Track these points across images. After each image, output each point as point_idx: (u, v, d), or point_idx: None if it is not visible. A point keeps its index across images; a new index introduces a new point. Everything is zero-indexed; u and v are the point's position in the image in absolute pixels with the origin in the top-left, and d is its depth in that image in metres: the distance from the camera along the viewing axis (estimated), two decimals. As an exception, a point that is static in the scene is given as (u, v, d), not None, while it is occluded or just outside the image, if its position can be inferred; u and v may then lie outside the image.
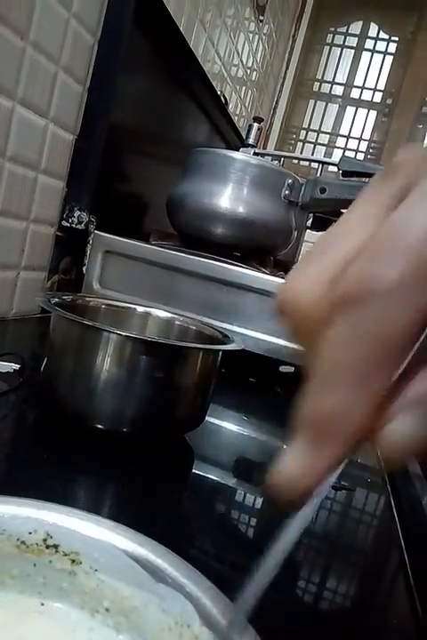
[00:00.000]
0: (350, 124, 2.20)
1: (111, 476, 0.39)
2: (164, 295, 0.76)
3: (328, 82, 2.22)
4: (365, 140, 2.19)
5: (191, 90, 1.15)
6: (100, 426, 0.40)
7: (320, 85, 2.23)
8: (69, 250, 0.87)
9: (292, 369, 0.75)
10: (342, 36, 2.19)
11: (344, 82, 2.19)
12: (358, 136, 2.19)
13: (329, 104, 2.22)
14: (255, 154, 0.98)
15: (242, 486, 0.44)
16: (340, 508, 0.45)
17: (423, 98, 2.07)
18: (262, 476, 0.45)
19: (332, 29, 2.20)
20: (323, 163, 0.99)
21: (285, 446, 0.16)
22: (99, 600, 0.20)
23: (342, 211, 0.84)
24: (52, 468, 0.37)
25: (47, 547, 0.20)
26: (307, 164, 2.07)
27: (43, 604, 0.21)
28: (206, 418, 0.46)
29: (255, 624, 0.17)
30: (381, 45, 2.13)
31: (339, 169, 0.92)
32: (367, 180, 0.91)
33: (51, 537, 0.20)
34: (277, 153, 1.74)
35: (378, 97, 2.16)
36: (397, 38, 2.12)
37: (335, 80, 2.21)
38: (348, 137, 2.20)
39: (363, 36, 2.15)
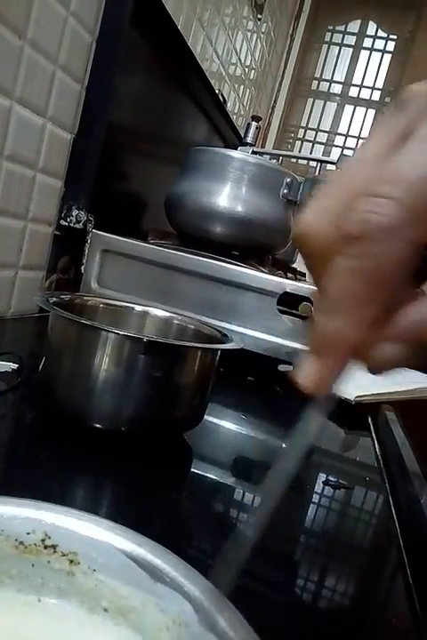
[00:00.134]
0: (348, 122, 2.20)
1: (109, 476, 0.38)
2: (162, 294, 0.76)
3: (327, 80, 2.22)
4: (363, 138, 2.18)
5: (189, 89, 1.15)
6: (98, 425, 0.40)
7: (319, 84, 2.23)
8: (67, 249, 0.87)
9: (290, 368, 0.75)
10: (341, 35, 2.18)
11: (343, 80, 2.19)
12: (357, 134, 2.19)
13: (327, 102, 2.22)
14: (254, 153, 0.99)
15: (241, 485, 0.44)
16: (339, 506, 0.45)
17: (422, 96, 2.07)
18: (261, 475, 0.45)
19: (330, 28, 2.20)
20: (321, 161, 0.99)
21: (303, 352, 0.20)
22: (97, 600, 0.20)
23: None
24: (51, 468, 0.37)
25: (45, 547, 0.20)
26: (305, 162, 2.07)
27: (40, 600, 0.21)
28: (205, 417, 0.46)
29: (255, 624, 0.17)
30: (379, 44, 2.13)
31: (337, 168, 0.92)
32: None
33: (49, 537, 0.20)
34: (275, 152, 1.74)
35: (376, 95, 2.16)
36: (395, 36, 2.12)
37: (334, 78, 2.21)
38: (346, 135, 2.20)
39: (361, 34, 2.15)
